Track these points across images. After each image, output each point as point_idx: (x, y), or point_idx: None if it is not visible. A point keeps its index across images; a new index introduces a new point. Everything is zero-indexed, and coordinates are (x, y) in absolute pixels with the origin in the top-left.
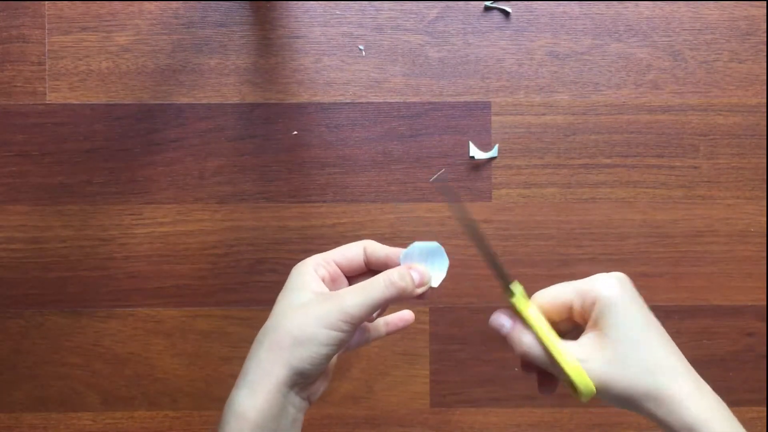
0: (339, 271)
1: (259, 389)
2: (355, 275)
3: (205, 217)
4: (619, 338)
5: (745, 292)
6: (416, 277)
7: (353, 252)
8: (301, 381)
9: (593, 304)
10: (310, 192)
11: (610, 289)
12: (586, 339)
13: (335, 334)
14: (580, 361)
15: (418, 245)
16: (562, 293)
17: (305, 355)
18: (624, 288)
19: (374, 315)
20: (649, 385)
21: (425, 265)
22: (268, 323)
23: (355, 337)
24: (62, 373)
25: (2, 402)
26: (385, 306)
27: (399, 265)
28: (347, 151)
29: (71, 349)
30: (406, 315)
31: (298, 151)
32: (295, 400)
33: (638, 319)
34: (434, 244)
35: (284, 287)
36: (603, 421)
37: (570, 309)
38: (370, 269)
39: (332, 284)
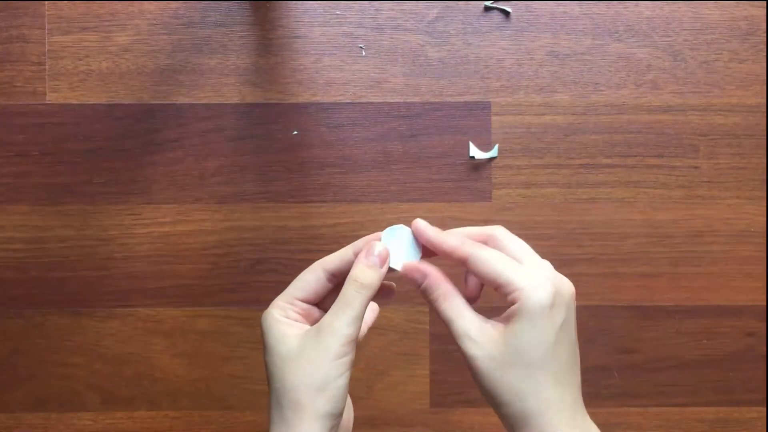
0: (305, 305)
1: None
2: (322, 298)
3: (205, 217)
4: (520, 349)
5: (745, 292)
6: (374, 261)
7: (311, 280)
8: (335, 422)
9: (515, 301)
10: (310, 192)
11: (540, 301)
12: (491, 327)
13: (344, 360)
14: (472, 340)
15: (384, 234)
16: (496, 269)
17: (329, 395)
18: (555, 306)
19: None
20: (520, 408)
21: (388, 247)
22: (276, 386)
23: None
24: (62, 373)
25: (2, 402)
26: (371, 299)
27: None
28: (347, 151)
29: (71, 349)
30: (374, 307)
31: (298, 151)
32: None
33: (547, 344)
34: (397, 226)
35: (265, 346)
36: (603, 421)
37: (490, 284)
38: (338, 283)
39: (306, 319)
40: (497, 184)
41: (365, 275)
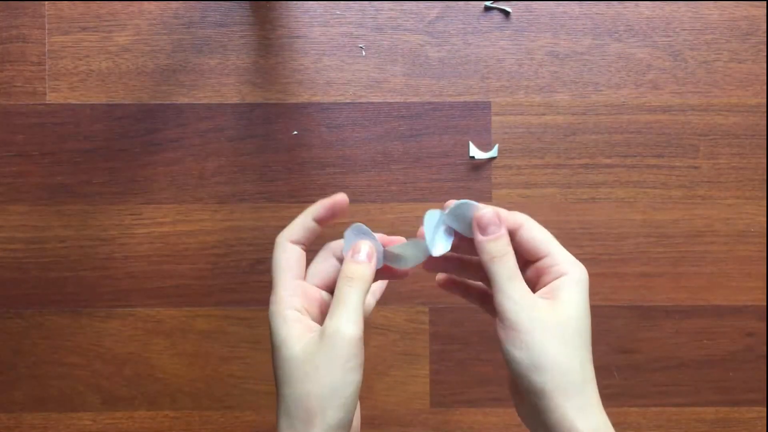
0: (313, 290)
1: None
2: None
3: (205, 217)
4: (568, 318)
5: (745, 292)
6: (362, 257)
7: (295, 257)
8: (346, 427)
9: (561, 274)
10: (310, 192)
11: (584, 276)
12: (539, 296)
13: (352, 364)
14: (520, 305)
15: (347, 233)
16: (547, 238)
17: (339, 404)
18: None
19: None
20: (562, 377)
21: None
22: (284, 392)
23: None
24: (62, 373)
25: (2, 402)
26: (367, 292)
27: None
28: (347, 151)
29: (71, 349)
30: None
31: (298, 151)
32: None
33: (587, 318)
34: (355, 224)
35: (273, 346)
36: None
37: (536, 255)
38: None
39: (315, 305)
40: (497, 184)
41: (354, 270)
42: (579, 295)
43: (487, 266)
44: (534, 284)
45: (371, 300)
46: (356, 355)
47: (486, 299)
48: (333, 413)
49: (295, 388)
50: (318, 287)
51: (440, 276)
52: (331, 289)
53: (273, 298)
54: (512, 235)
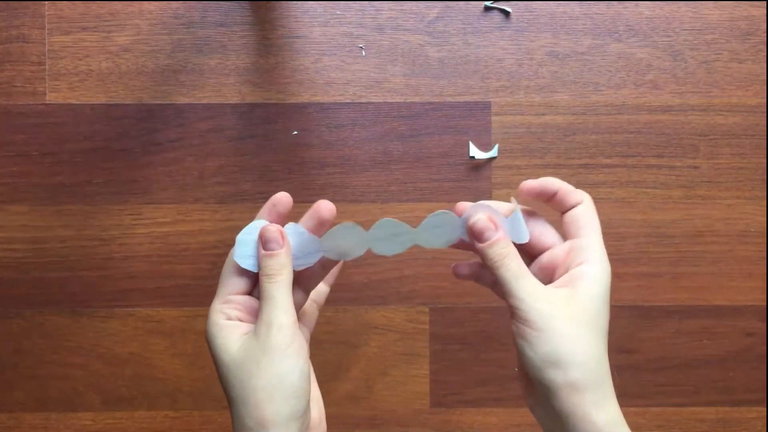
0: (241, 297)
1: None
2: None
3: (205, 217)
4: (591, 309)
5: (745, 292)
6: (271, 247)
7: (233, 271)
8: (301, 422)
9: (583, 262)
10: (310, 192)
11: (606, 269)
12: (556, 288)
13: (289, 351)
14: (540, 299)
15: (238, 240)
16: (586, 227)
17: (286, 395)
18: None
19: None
20: (584, 372)
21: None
22: (231, 395)
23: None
24: (62, 373)
25: (2, 402)
26: (291, 280)
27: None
28: (347, 151)
29: (71, 349)
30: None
31: (298, 151)
32: None
33: (607, 311)
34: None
35: (213, 356)
36: None
37: (558, 251)
38: None
39: (249, 313)
40: (497, 184)
41: (266, 265)
42: (598, 287)
43: (493, 270)
44: (552, 270)
45: (324, 288)
46: (293, 341)
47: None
48: (283, 403)
49: (241, 388)
50: (233, 294)
51: (461, 271)
52: (246, 291)
53: (208, 317)
54: (556, 193)
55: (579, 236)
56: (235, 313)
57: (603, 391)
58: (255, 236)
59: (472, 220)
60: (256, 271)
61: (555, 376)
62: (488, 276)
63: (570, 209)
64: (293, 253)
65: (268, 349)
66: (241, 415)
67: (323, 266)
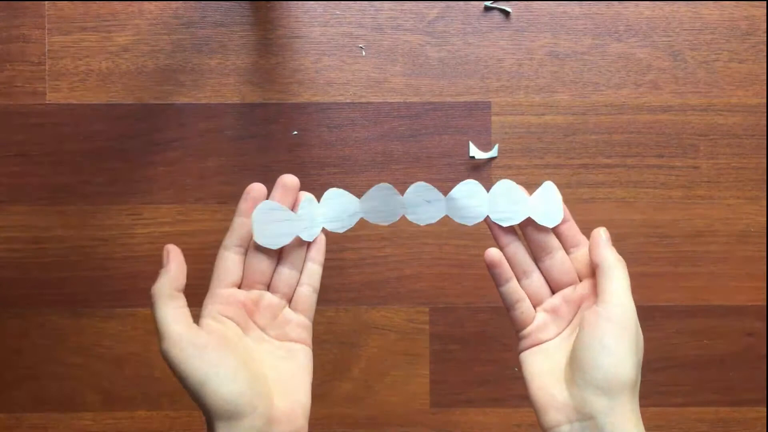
0: (231, 293)
1: None
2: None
3: (205, 217)
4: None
5: (745, 292)
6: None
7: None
8: (230, 410)
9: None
10: (310, 192)
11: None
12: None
13: (196, 334)
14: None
15: (254, 217)
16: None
17: (210, 395)
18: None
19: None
20: (615, 375)
21: (275, 229)
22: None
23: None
24: (62, 373)
25: (2, 402)
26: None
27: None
28: (347, 151)
29: (71, 349)
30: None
31: (298, 151)
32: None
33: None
34: (266, 203)
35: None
36: None
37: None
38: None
39: (245, 308)
40: None
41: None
42: (627, 298)
43: (610, 271)
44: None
45: (315, 268)
46: (187, 324)
47: (518, 305)
48: (214, 409)
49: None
50: (233, 286)
51: (494, 255)
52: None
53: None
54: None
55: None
56: (229, 310)
57: (639, 410)
58: (269, 215)
59: (601, 230)
60: (275, 248)
61: (625, 379)
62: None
63: (577, 246)
64: (335, 216)
65: (175, 358)
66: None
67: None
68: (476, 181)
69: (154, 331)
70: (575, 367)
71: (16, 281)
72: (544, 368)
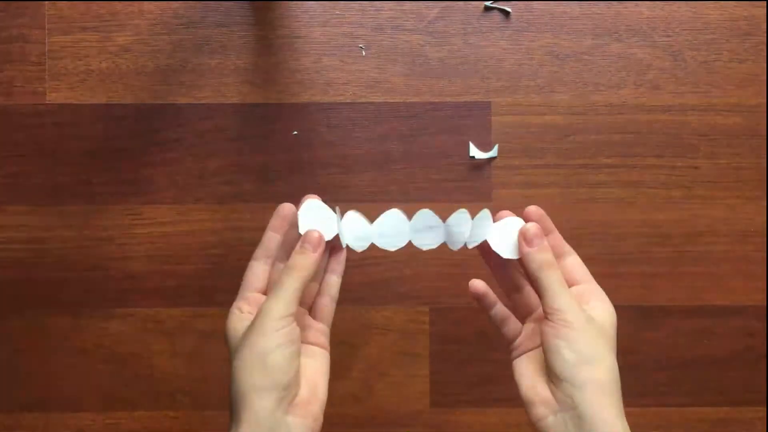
0: (259, 295)
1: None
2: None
3: (205, 217)
4: (608, 331)
5: (745, 292)
6: (307, 248)
7: (256, 272)
8: (280, 394)
9: (592, 300)
10: (310, 192)
11: (612, 307)
12: None
13: (280, 333)
14: (579, 307)
15: (300, 212)
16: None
17: (268, 369)
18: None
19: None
20: (604, 373)
21: (318, 225)
22: (233, 366)
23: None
24: (62, 373)
25: (2, 402)
26: (307, 280)
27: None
28: (347, 151)
29: (71, 349)
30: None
31: (298, 151)
32: (293, 424)
33: (614, 340)
34: (308, 201)
35: (227, 344)
36: None
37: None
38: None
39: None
40: (497, 184)
41: (295, 260)
42: (611, 318)
43: (537, 274)
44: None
45: (335, 279)
46: (284, 327)
47: (506, 322)
48: (260, 376)
49: (235, 360)
50: (252, 292)
51: (478, 287)
52: (263, 290)
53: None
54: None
55: (582, 282)
56: (247, 308)
57: (620, 402)
58: (314, 213)
59: (525, 227)
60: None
61: (589, 373)
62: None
63: (561, 256)
64: (389, 232)
65: (261, 333)
66: (232, 392)
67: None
68: (465, 210)
69: (153, 330)
70: (548, 368)
71: (16, 281)
72: (530, 370)
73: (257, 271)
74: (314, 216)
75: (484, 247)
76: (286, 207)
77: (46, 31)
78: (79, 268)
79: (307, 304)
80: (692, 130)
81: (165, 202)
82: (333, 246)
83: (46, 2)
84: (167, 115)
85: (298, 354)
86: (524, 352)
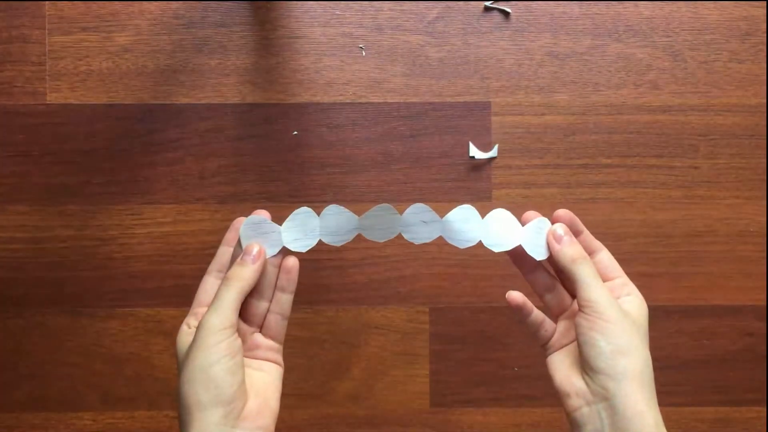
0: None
1: None
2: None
3: (205, 217)
4: (641, 324)
5: (745, 292)
6: (246, 259)
7: (206, 289)
8: (225, 409)
9: (627, 294)
10: (310, 192)
11: (643, 303)
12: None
13: (218, 347)
14: (613, 299)
15: (242, 229)
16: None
17: (209, 384)
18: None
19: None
20: (640, 365)
21: (261, 240)
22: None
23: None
24: (62, 373)
25: (2, 402)
26: (245, 291)
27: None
28: (347, 151)
29: (71, 349)
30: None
31: (298, 151)
32: None
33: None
34: (254, 217)
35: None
36: None
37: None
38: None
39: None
40: (497, 184)
41: (234, 272)
42: (645, 310)
43: (569, 268)
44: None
45: (285, 297)
46: (221, 341)
47: (542, 326)
48: (203, 390)
49: (180, 377)
50: (202, 307)
51: (516, 298)
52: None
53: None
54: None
55: (615, 277)
56: (194, 323)
57: (653, 393)
58: (257, 228)
59: (553, 227)
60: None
61: (625, 364)
62: (544, 282)
63: (592, 253)
64: (333, 230)
65: (200, 347)
66: (180, 398)
67: (274, 267)
68: (472, 206)
69: (153, 330)
70: (583, 361)
71: (16, 281)
72: (565, 364)
73: (208, 286)
74: (258, 231)
75: (516, 253)
76: (240, 221)
77: (47, 31)
78: (79, 268)
79: (257, 324)
80: (692, 130)
81: (165, 202)
82: (284, 264)
83: (47, 2)
84: (167, 115)
85: (240, 366)
86: (558, 349)
